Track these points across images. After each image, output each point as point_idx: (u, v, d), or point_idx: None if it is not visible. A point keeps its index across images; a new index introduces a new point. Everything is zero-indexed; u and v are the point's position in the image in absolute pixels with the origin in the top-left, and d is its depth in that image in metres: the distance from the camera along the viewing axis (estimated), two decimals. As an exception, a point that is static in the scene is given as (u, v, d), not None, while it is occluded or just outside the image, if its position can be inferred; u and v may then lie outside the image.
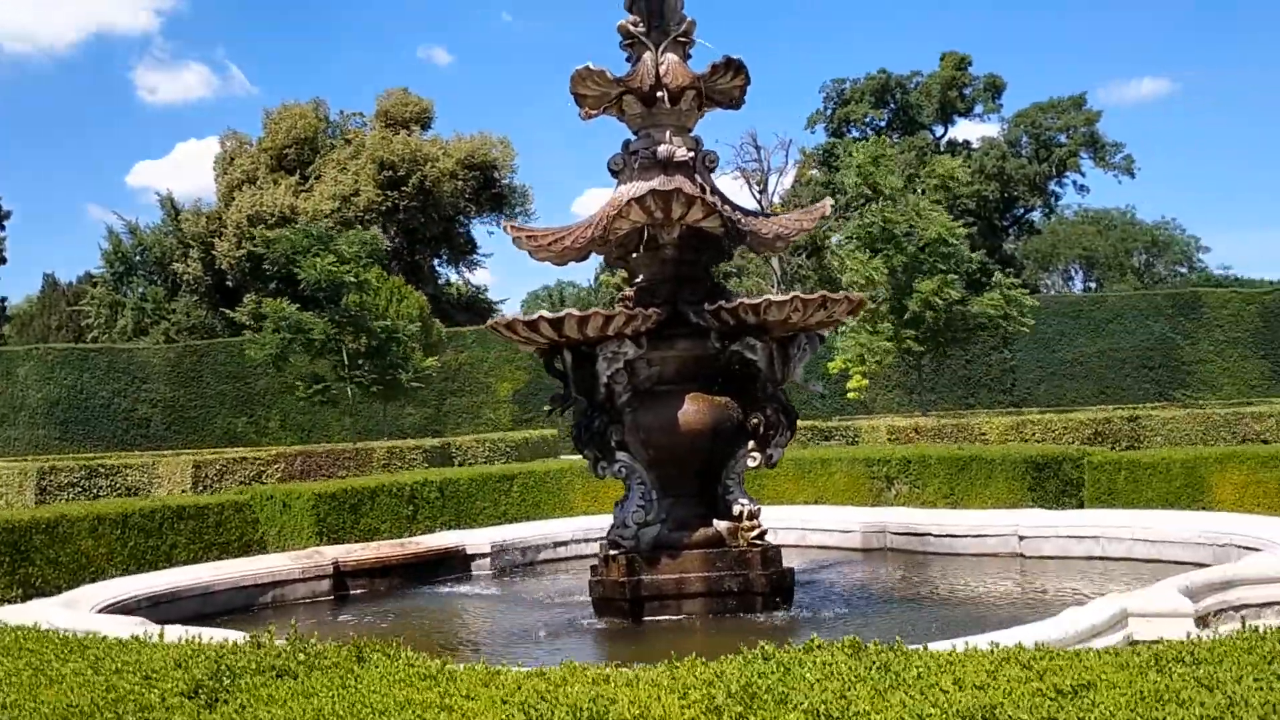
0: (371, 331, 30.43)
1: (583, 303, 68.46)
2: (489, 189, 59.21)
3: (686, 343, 8.31)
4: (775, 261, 64.44)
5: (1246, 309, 45.55)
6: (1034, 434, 21.18)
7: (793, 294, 7.75)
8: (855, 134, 65.79)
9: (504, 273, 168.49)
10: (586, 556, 12.21)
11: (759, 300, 7.75)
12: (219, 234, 55.08)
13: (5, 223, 52.43)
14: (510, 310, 74.73)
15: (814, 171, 65.47)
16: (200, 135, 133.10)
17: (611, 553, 8.21)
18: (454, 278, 63.70)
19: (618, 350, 7.92)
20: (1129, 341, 45.23)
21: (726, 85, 8.50)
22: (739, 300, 7.83)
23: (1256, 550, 8.47)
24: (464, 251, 61.63)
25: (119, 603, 8.52)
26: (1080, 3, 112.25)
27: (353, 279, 30.02)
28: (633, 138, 8.76)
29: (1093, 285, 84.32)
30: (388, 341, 30.75)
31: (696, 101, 8.58)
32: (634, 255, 8.55)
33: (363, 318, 30.60)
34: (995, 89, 65.41)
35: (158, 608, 8.90)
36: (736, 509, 8.28)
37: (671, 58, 8.57)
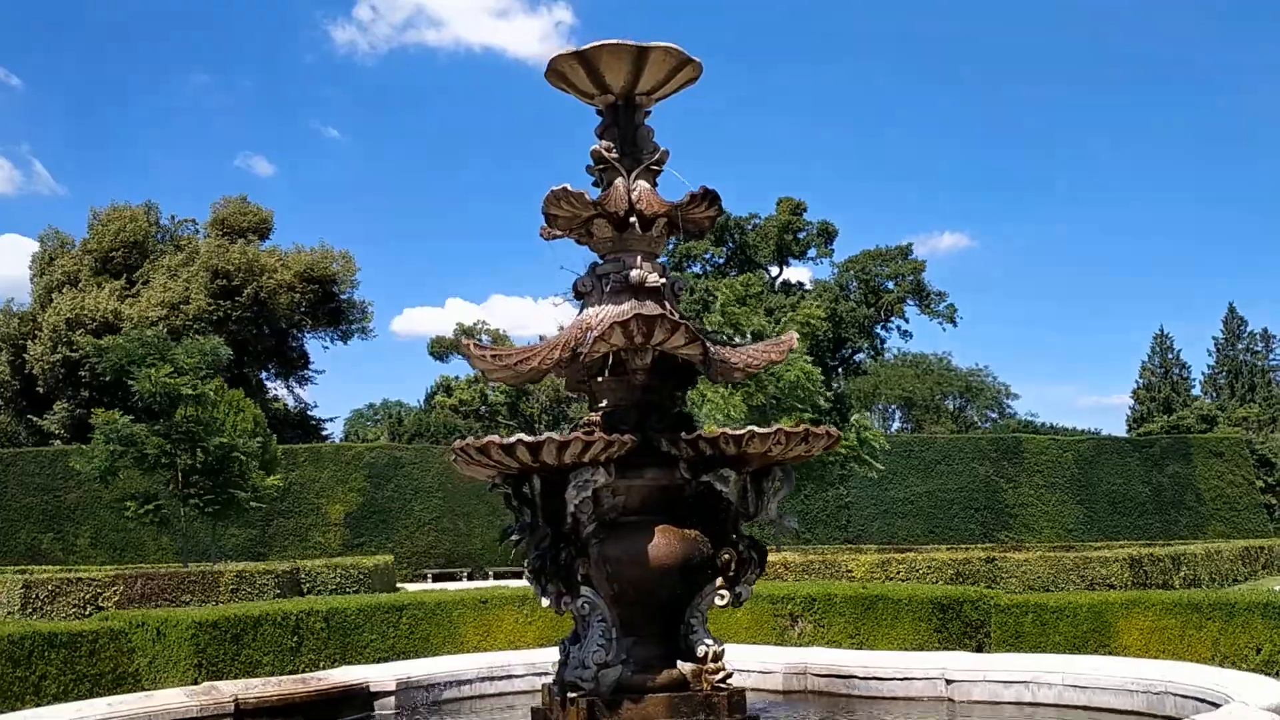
0: (207, 448, 28.90)
1: (419, 422, 67.12)
2: (327, 303, 57.96)
3: (655, 472, 8.02)
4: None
5: (1064, 455, 48.03)
6: (899, 572, 21.47)
7: (776, 427, 7.59)
8: (696, 269, 67.53)
9: (327, 390, 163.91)
10: (489, 696, 11.61)
11: (742, 431, 7.56)
12: (33, 336, 51.96)
13: None
14: (335, 429, 72.46)
15: (653, 304, 66.59)
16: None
17: (570, 695, 7.70)
18: (282, 393, 61.61)
19: (589, 478, 7.57)
20: (955, 482, 47.00)
21: (700, 215, 8.45)
22: (721, 430, 7.63)
23: (1198, 700, 8.59)
24: (296, 366, 59.80)
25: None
26: (898, 159, 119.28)
27: (190, 390, 28.53)
28: (599, 261, 8.59)
29: (909, 426, 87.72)
30: (225, 459, 29.24)
31: (667, 229, 8.49)
32: (599, 379, 8.27)
33: (198, 432, 29.06)
34: (828, 235, 68.35)
35: (45, 752, 7.93)
36: (701, 649, 7.93)
37: (643, 185, 8.48)
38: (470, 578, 41.98)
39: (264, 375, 59.52)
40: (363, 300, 60.54)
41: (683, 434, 7.86)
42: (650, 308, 8.12)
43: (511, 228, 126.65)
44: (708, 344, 7.98)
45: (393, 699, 10.63)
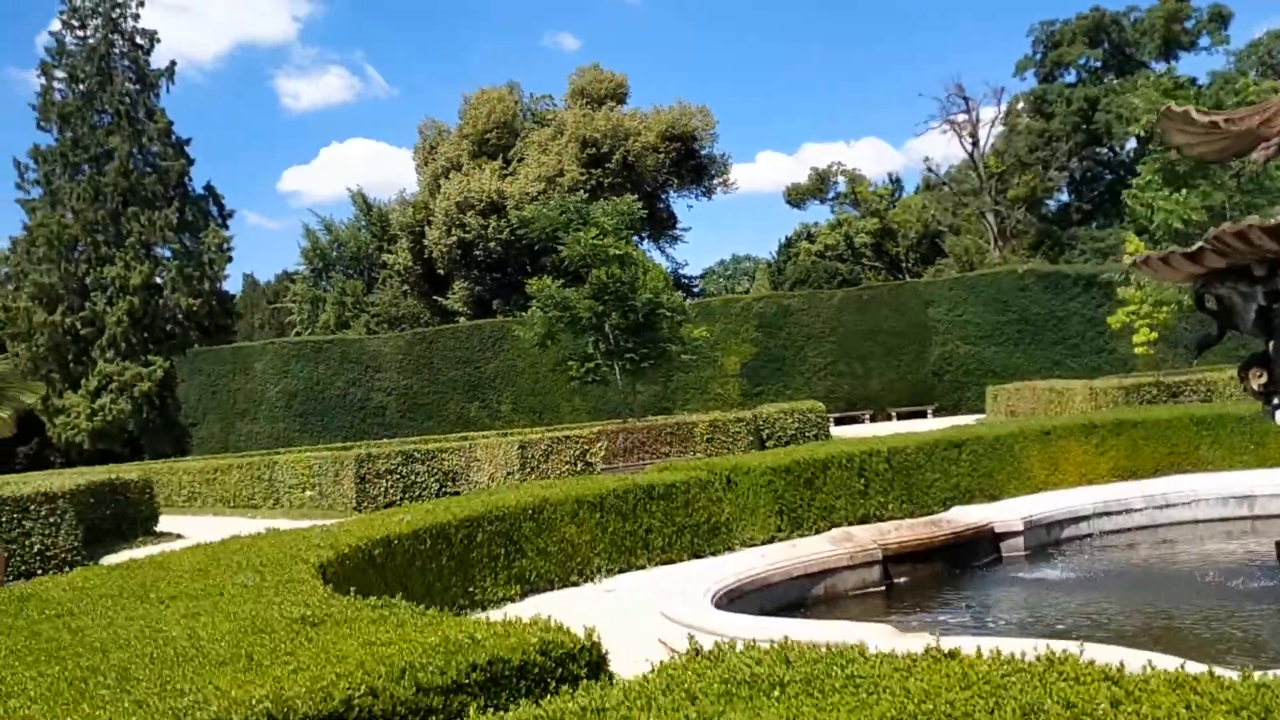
0: (635, 306, 29.06)
1: (798, 269, 66.23)
2: (689, 160, 57.70)
3: None
4: (990, 216, 61.35)
5: None
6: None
7: None
8: (1069, 78, 62.18)
9: (682, 250, 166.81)
10: (1108, 532, 10.41)
11: None
12: (428, 222, 54.92)
13: (229, 222, 52.91)
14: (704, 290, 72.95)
15: (1026, 120, 62.01)
16: (341, 139, 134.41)
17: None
18: (656, 254, 62.40)
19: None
20: None
21: None
22: None
23: None
24: (666, 227, 60.28)
25: (721, 593, 7.09)
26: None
27: (616, 251, 28.65)
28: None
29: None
30: (651, 315, 29.35)
31: None
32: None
33: (624, 291, 29.24)
34: (1221, 19, 60.81)
35: (733, 603, 7.45)
36: None
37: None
38: (873, 419, 41.23)
39: (636, 239, 60.38)
40: (722, 154, 59.96)
41: None
42: None
43: (817, 73, 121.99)
44: None
45: (1020, 539, 9.68)
